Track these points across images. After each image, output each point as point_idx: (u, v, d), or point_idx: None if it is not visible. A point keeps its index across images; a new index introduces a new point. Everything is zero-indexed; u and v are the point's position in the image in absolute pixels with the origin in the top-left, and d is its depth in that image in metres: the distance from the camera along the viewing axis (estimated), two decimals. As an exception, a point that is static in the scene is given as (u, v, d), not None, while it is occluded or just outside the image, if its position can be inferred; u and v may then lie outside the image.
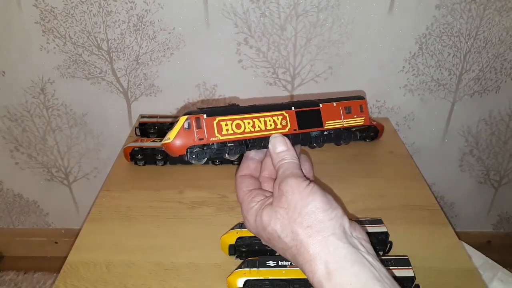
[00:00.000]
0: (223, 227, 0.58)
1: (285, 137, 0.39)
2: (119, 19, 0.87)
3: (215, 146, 0.38)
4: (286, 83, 0.95)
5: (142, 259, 0.56)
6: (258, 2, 0.85)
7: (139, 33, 0.89)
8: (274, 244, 0.35)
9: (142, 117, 0.85)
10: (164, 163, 0.77)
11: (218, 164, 0.77)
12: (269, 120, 0.39)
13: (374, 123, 0.85)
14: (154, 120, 0.83)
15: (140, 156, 0.75)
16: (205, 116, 0.37)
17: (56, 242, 1.24)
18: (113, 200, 0.68)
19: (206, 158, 0.38)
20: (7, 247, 1.25)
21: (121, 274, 0.54)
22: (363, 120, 0.45)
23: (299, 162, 0.38)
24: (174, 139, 0.37)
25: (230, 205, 0.67)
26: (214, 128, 0.38)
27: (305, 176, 0.36)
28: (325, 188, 0.35)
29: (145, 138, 0.78)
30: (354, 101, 0.44)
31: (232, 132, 0.38)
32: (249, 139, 0.39)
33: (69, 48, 0.91)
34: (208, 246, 0.58)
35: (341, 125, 0.44)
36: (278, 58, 0.92)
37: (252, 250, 0.54)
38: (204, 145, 0.38)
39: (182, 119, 0.37)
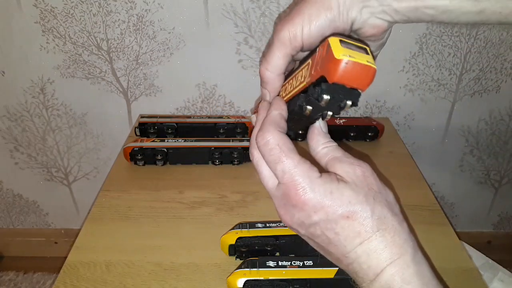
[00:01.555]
0: (223, 227, 0.58)
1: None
2: (119, 19, 0.87)
3: None
4: (286, 83, 0.95)
5: (142, 259, 0.56)
6: (258, 2, 0.85)
7: (139, 33, 0.89)
8: (337, 226, 0.30)
9: (142, 117, 0.85)
10: (164, 163, 0.77)
11: (218, 164, 0.77)
12: None
13: (374, 123, 0.85)
14: (154, 120, 0.83)
15: (140, 156, 0.75)
16: None
17: (56, 242, 1.24)
18: (113, 200, 0.68)
19: None
20: (7, 247, 1.25)
21: (121, 274, 0.54)
22: None
23: None
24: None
25: (230, 205, 0.67)
26: None
27: None
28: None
29: (145, 138, 0.78)
30: None
31: None
32: None
33: (68, 48, 0.91)
34: (208, 246, 0.58)
35: None
36: (278, 58, 0.92)
37: (252, 250, 0.54)
38: None
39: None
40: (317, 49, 0.30)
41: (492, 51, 0.92)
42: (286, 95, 0.36)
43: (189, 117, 0.86)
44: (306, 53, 0.35)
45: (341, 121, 0.84)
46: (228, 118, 0.85)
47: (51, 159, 1.08)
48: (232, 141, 0.77)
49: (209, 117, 0.86)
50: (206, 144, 0.76)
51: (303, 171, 0.31)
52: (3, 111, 1.00)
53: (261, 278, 0.48)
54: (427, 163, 1.07)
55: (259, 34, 0.89)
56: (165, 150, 0.76)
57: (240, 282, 0.48)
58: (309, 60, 0.31)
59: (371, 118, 0.89)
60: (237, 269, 0.50)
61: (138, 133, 0.83)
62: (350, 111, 0.99)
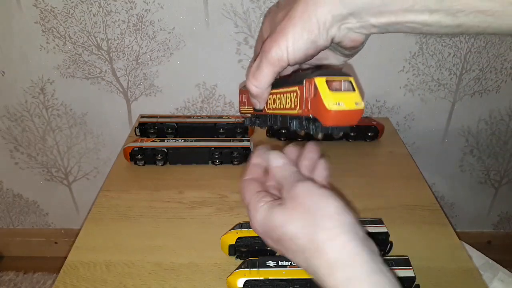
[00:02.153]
0: (223, 227, 0.58)
1: (279, 152, 0.39)
2: (119, 19, 0.87)
3: None
4: (286, 83, 0.95)
5: (142, 259, 0.56)
6: (258, 2, 0.85)
7: (139, 33, 0.89)
8: (284, 246, 0.34)
9: (142, 117, 0.85)
10: (164, 163, 0.77)
11: (218, 164, 0.77)
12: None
13: (374, 123, 0.85)
14: (154, 120, 0.83)
15: (140, 156, 0.75)
16: None
17: (56, 242, 1.24)
18: (113, 200, 0.68)
19: None
20: (6, 247, 1.25)
21: (121, 274, 0.54)
22: None
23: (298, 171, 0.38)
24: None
25: (230, 205, 0.67)
26: None
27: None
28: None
29: (145, 138, 0.78)
30: None
31: None
32: None
33: (68, 48, 0.91)
34: (208, 246, 0.58)
35: None
36: (278, 58, 0.92)
37: (252, 250, 0.54)
38: None
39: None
40: (304, 82, 0.32)
41: (492, 51, 0.92)
42: (274, 108, 0.38)
43: (189, 117, 0.86)
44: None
45: (341, 121, 0.84)
46: (228, 118, 0.85)
47: (51, 159, 1.08)
48: (232, 141, 0.77)
49: (209, 117, 0.86)
50: (206, 144, 0.76)
51: (252, 205, 0.36)
52: (3, 111, 1.00)
53: (261, 278, 0.48)
54: (427, 163, 1.07)
55: (259, 34, 0.89)
56: (165, 150, 0.76)
57: (240, 282, 0.48)
58: (297, 89, 0.33)
59: (371, 118, 0.89)
60: (237, 269, 0.50)
61: (138, 133, 0.83)
62: (350, 111, 0.99)
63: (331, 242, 0.30)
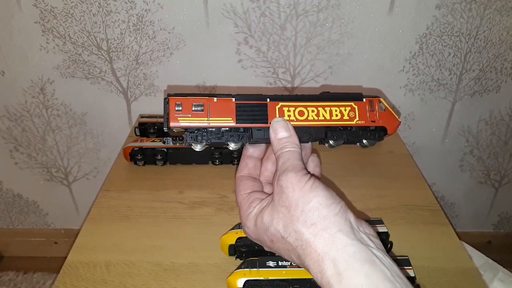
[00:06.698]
0: (223, 227, 0.58)
1: (288, 122, 0.36)
2: (118, 19, 0.87)
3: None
4: (286, 83, 0.95)
5: (142, 259, 0.56)
6: (258, 1, 0.85)
7: (139, 33, 0.89)
8: (278, 247, 0.34)
9: (142, 117, 0.85)
10: (164, 163, 0.77)
11: (218, 164, 0.77)
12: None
13: (374, 123, 0.85)
14: (154, 120, 0.83)
15: (139, 156, 0.75)
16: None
17: (55, 242, 1.24)
18: (112, 200, 0.68)
19: None
20: (6, 247, 1.25)
21: (121, 274, 0.54)
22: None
23: (301, 152, 0.35)
24: None
25: (230, 205, 0.67)
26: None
27: (305, 169, 0.34)
28: (326, 183, 0.33)
29: (144, 138, 0.78)
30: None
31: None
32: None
33: (68, 48, 0.91)
34: (208, 246, 0.58)
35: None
36: (278, 58, 0.92)
37: (252, 250, 0.54)
38: None
39: None
40: (363, 99, 0.40)
41: (492, 51, 0.92)
42: (323, 119, 0.39)
43: (189, 117, 0.86)
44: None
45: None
46: (228, 118, 0.85)
47: (51, 159, 1.08)
48: (232, 141, 0.77)
49: (209, 117, 0.86)
50: (206, 144, 0.76)
51: (243, 211, 0.36)
52: (3, 111, 1.00)
53: (261, 278, 0.48)
54: (427, 163, 1.07)
55: (259, 34, 0.89)
56: (165, 150, 0.76)
57: (240, 282, 0.48)
58: (352, 104, 0.39)
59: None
60: (237, 269, 0.50)
61: (138, 133, 0.83)
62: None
63: (316, 238, 0.30)
